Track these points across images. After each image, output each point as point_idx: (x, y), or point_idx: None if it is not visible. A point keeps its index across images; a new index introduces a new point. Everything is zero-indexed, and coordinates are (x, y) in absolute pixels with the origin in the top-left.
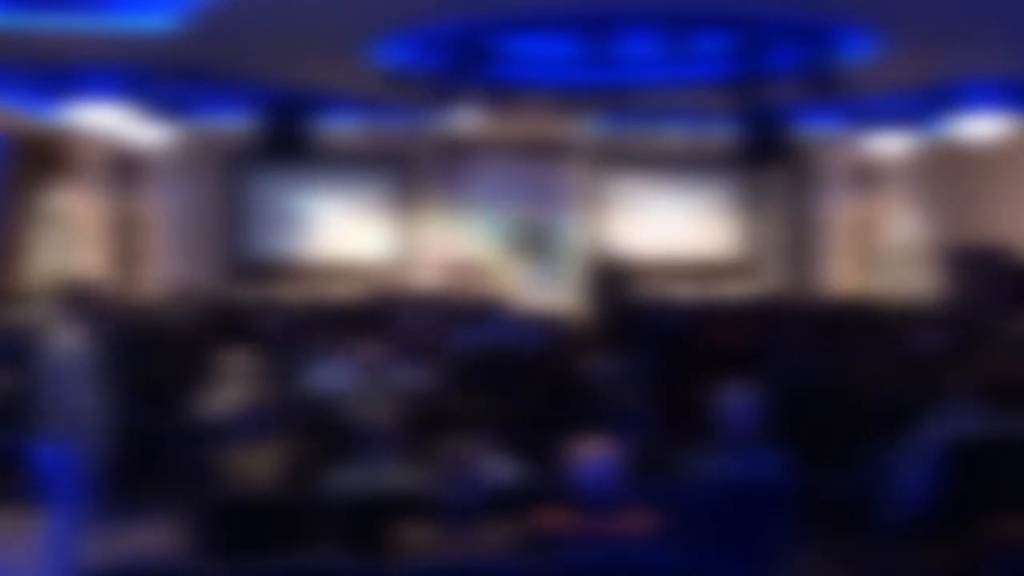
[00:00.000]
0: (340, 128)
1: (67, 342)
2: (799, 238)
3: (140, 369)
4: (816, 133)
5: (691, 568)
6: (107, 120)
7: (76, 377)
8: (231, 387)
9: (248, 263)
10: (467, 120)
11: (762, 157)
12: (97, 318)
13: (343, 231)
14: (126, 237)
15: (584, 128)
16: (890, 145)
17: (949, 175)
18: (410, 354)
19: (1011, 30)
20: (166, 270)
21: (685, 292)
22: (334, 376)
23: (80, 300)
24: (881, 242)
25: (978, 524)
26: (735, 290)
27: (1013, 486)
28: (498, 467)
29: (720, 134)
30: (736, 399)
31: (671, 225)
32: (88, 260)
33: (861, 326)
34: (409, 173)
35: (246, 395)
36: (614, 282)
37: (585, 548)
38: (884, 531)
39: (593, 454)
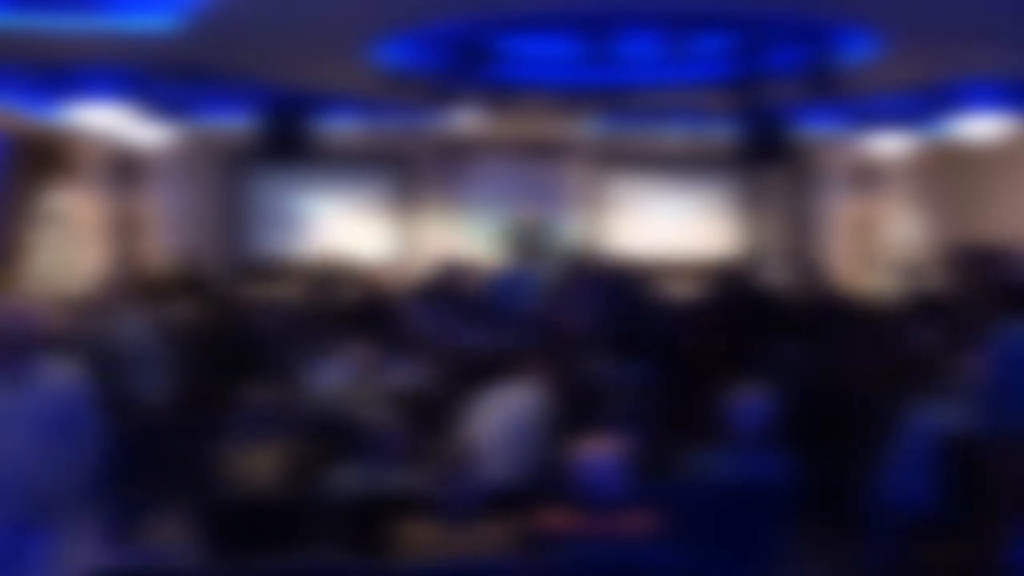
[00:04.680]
0: (340, 128)
1: None
2: (799, 238)
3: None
4: (816, 133)
5: (692, 568)
6: (107, 120)
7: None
8: None
9: (248, 263)
10: (467, 120)
11: (762, 157)
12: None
13: (343, 231)
14: (126, 237)
15: (584, 128)
16: (890, 145)
17: (949, 175)
18: (409, 352)
19: (1011, 30)
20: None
21: (685, 292)
22: (334, 376)
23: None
24: (881, 242)
25: (974, 523)
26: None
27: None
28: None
29: (720, 134)
30: (744, 399)
31: (671, 225)
32: (88, 260)
33: (859, 325)
34: (409, 173)
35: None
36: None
37: (587, 548)
38: (883, 531)
39: (595, 454)
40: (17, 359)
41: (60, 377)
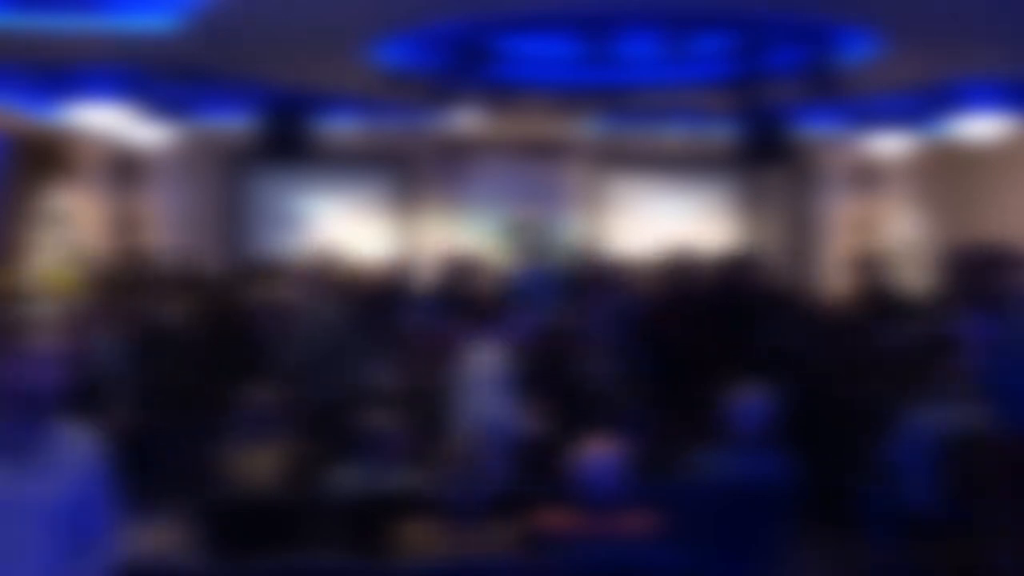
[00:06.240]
0: (340, 128)
1: None
2: (799, 238)
3: (142, 368)
4: (816, 133)
5: (692, 568)
6: (107, 120)
7: None
8: None
9: (248, 263)
10: (467, 120)
11: (762, 157)
12: None
13: (343, 231)
14: (126, 237)
15: (584, 128)
16: (890, 145)
17: (949, 175)
18: (410, 351)
19: (1011, 30)
20: None
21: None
22: (335, 375)
23: None
24: (881, 242)
25: (974, 520)
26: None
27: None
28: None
29: (720, 134)
30: (744, 399)
31: (671, 225)
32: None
33: (856, 324)
34: (409, 173)
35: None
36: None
37: (587, 548)
38: (883, 531)
39: (595, 454)
40: (24, 422)
41: (79, 448)
